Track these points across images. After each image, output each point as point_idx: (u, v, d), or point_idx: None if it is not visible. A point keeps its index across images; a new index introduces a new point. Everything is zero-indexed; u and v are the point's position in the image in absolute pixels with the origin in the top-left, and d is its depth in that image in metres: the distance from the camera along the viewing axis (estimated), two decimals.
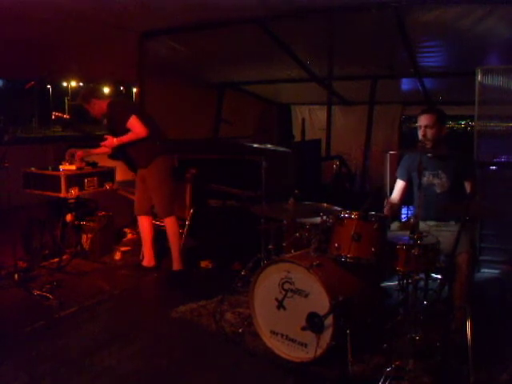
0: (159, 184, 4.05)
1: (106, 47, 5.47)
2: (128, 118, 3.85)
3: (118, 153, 4.27)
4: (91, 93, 4.15)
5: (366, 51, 5.59)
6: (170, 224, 4.11)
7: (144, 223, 4.25)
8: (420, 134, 3.17)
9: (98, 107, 4.08)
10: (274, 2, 4.37)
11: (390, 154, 4.94)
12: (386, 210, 3.19)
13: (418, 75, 6.36)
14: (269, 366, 2.67)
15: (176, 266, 4.14)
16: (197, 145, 6.83)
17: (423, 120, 3.15)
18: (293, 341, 2.68)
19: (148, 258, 4.27)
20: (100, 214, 4.74)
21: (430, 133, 3.12)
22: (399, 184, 3.39)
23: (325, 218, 2.89)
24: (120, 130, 3.96)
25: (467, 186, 3.13)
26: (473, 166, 3.42)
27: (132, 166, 4.39)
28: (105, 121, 4.16)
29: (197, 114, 7.71)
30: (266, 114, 8.65)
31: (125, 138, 3.94)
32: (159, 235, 4.40)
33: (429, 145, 3.08)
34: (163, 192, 4.07)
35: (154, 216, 4.36)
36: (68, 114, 4.41)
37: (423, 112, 3.20)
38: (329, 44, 4.59)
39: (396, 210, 3.42)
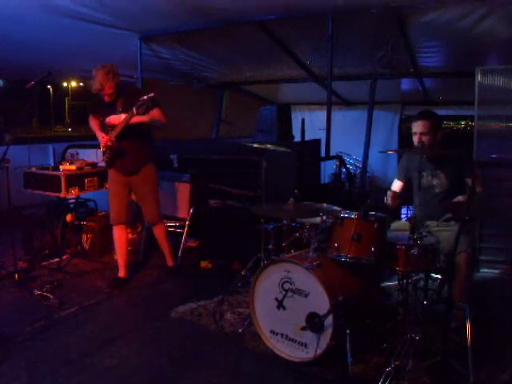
0: (153, 190, 3.90)
1: (107, 47, 5.48)
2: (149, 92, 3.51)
3: (116, 150, 3.73)
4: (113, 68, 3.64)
5: (366, 51, 5.60)
6: (162, 229, 4.04)
7: (122, 234, 3.93)
8: (415, 140, 3.07)
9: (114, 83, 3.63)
10: (275, 3, 4.38)
11: None
12: (390, 200, 3.14)
13: (417, 75, 6.37)
14: (269, 366, 2.67)
15: (170, 262, 4.15)
16: (197, 145, 6.84)
17: (418, 127, 3.05)
18: (293, 341, 2.69)
19: (125, 270, 3.98)
20: (100, 214, 4.75)
21: (425, 139, 3.03)
22: (396, 184, 3.37)
23: (325, 218, 2.89)
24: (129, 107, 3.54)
25: (469, 184, 3.07)
26: (471, 164, 3.36)
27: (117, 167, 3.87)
28: (119, 104, 3.68)
29: (197, 114, 7.72)
30: None
31: (151, 116, 3.59)
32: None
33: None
34: (156, 198, 3.93)
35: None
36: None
37: (417, 118, 3.08)
38: (329, 44, 4.59)
39: (399, 200, 3.32)
